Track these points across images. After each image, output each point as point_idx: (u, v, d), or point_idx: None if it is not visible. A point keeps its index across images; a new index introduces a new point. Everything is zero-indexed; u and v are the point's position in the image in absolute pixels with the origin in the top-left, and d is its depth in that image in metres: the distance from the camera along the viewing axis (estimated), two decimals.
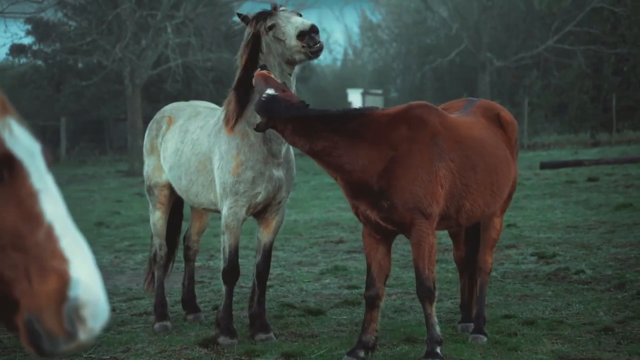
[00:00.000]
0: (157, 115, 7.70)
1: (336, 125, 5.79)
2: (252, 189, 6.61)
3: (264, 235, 6.91)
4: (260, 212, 6.86)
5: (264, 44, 6.52)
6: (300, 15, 6.51)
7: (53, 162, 2.13)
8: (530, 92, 37.91)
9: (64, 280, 1.99)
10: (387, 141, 5.86)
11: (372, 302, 6.07)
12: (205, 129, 7.03)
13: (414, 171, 5.82)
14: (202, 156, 6.93)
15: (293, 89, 6.49)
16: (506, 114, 6.85)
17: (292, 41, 6.29)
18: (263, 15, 6.52)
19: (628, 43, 36.32)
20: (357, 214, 6.07)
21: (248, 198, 6.63)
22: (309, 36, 6.21)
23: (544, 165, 21.64)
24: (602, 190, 16.52)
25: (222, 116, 6.84)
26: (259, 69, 6.17)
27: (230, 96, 6.74)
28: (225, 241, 6.72)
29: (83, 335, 1.99)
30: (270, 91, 5.82)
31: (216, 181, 6.76)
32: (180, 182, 7.17)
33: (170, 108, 7.72)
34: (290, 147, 6.74)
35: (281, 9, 6.55)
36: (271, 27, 6.43)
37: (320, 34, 6.40)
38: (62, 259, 2.00)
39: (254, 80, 6.17)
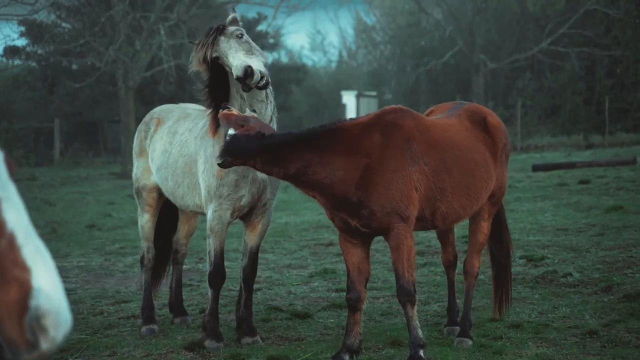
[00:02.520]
0: (146, 117, 7.70)
1: (304, 145, 5.79)
2: (235, 192, 6.61)
3: (251, 238, 6.91)
4: (246, 215, 6.85)
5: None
6: (241, 36, 6.41)
7: (15, 170, 2.12)
8: (524, 94, 37.90)
9: (26, 290, 1.98)
10: (361, 149, 5.87)
11: (354, 305, 6.09)
12: (193, 131, 7.03)
13: (389, 176, 5.83)
14: (188, 158, 6.93)
15: (268, 100, 6.53)
16: (493, 118, 6.78)
17: (234, 77, 6.28)
18: (206, 45, 6.47)
19: (621, 45, 36.34)
20: (333, 219, 6.10)
21: (232, 201, 6.62)
22: (244, 83, 6.17)
23: (536, 168, 21.66)
24: (593, 192, 16.52)
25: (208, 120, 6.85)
26: (220, 110, 6.06)
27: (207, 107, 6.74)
28: (210, 245, 6.72)
29: (45, 345, 1.99)
30: (230, 131, 5.77)
31: (201, 184, 6.76)
32: (167, 183, 7.17)
33: (159, 110, 7.72)
34: None
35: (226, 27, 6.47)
36: (216, 58, 6.44)
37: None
38: (24, 268, 1.99)
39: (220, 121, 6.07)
